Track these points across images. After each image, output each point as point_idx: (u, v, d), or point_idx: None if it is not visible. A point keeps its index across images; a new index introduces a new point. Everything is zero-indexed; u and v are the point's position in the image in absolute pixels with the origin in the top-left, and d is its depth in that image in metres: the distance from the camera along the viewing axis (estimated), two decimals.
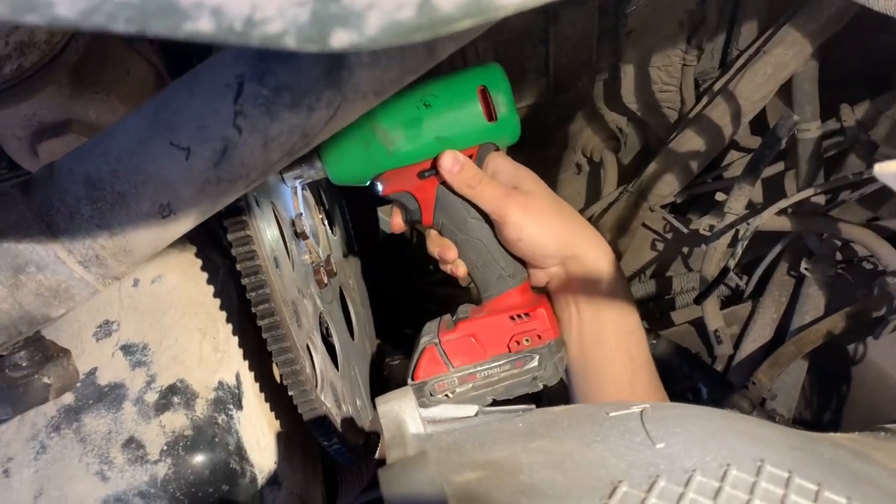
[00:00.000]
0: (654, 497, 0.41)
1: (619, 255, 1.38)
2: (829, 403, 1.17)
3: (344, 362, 0.87)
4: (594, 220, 1.39)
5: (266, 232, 0.68)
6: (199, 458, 0.64)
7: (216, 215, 0.63)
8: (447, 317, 0.83)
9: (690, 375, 1.04)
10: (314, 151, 0.77)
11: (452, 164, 0.76)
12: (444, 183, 0.78)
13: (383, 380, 1.05)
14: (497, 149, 0.81)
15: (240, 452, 0.66)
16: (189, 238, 0.73)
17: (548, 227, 0.77)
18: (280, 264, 0.70)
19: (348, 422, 0.80)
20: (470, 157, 0.78)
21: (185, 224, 0.50)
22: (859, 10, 1.08)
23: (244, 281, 0.63)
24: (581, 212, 1.43)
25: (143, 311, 0.69)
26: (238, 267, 0.63)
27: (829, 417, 1.17)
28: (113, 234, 0.47)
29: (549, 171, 1.47)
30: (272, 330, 0.64)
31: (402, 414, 0.53)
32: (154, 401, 0.65)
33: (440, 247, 0.81)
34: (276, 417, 0.74)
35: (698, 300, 1.12)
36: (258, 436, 0.70)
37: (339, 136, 0.74)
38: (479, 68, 0.79)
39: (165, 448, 0.63)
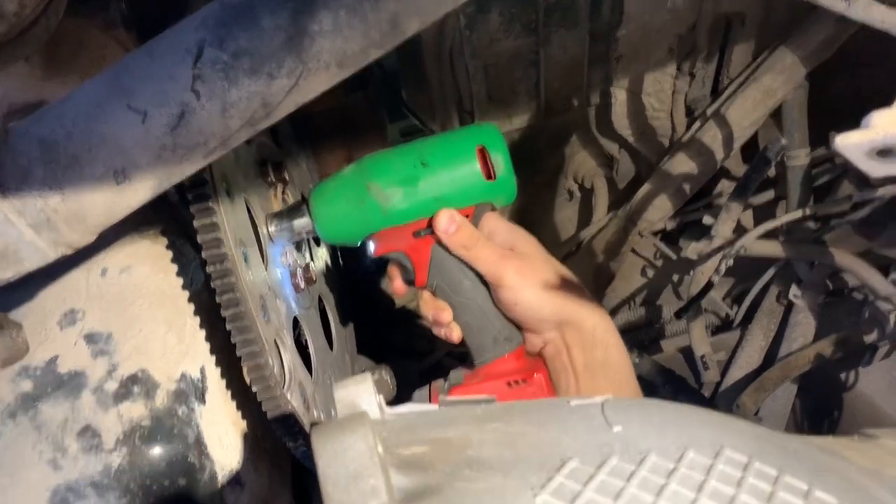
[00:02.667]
0: (603, 474, 0.39)
1: (608, 281, 1.37)
2: (819, 430, 1.14)
3: (319, 369, 0.86)
4: (584, 246, 1.38)
5: (235, 223, 0.67)
6: (155, 450, 0.62)
7: (186, 203, 0.63)
8: (439, 382, 0.80)
9: (674, 397, 1.01)
10: (304, 207, 0.78)
11: (448, 223, 0.75)
12: (439, 243, 0.77)
13: None
14: (493, 208, 0.80)
15: (199, 447, 0.64)
16: (161, 230, 0.72)
17: (545, 292, 0.75)
18: (250, 259, 0.69)
19: None
20: (466, 216, 0.77)
21: (141, 193, 0.49)
22: (849, 41, 1.10)
23: (209, 269, 0.62)
24: (571, 237, 1.42)
25: (110, 301, 0.68)
26: (203, 255, 0.62)
27: None
28: (66, 198, 0.47)
29: (540, 197, 1.47)
30: (236, 321, 0.63)
31: (359, 399, 0.51)
32: (114, 390, 0.64)
33: (434, 309, 0.79)
34: (243, 418, 0.72)
35: (679, 314, 1.10)
36: (221, 433, 0.68)
37: (331, 193, 0.77)
38: (475, 127, 0.79)
39: (122, 437, 0.62)
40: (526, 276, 0.75)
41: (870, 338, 1.03)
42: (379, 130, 1.31)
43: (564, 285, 0.77)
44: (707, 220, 1.14)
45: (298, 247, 0.89)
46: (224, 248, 0.62)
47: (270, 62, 0.46)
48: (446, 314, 0.78)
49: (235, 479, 0.69)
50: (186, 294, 0.70)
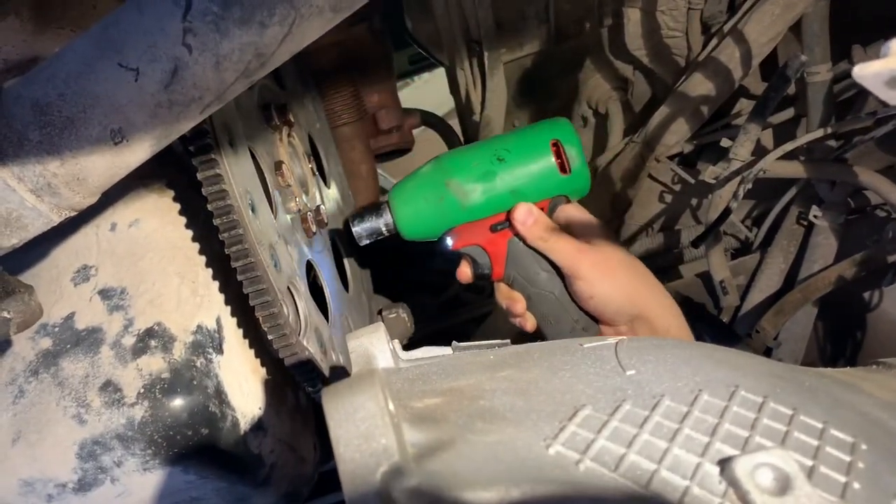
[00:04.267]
0: (616, 420, 0.39)
1: (625, 208, 1.35)
2: (842, 352, 1.14)
3: (335, 312, 0.86)
4: (600, 173, 1.36)
5: (240, 173, 0.67)
6: (176, 401, 0.63)
7: (190, 155, 0.62)
8: None
9: (693, 325, 1.01)
10: (386, 206, 0.82)
11: (526, 216, 0.78)
12: (516, 235, 0.79)
13: None
14: (568, 201, 0.82)
15: (220, 396, 0.65)
16: (167, 182, 0.72)
17: (620, 286, 0.77)
18: (257, 208, 0.68)
19: (338, 370, 0.79)
20: (541, 209, 0.80)
21: (139, 152, 0.48)
22: None
23: (216, 221, 0.61)
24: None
25: (121, 256, 0.68)
26: (209, 207, 0.61)
27: (842, 366, 1.14)
28: (64, 162, 0.46)
29: None
30: (247, 272, 0.63)
31: (372, 349, 0.51)
32: (131, 344, 0.64)
33: (509, 300, 0.82)
34: (263, 365, 0.73)
35: (696, 243, 1.09)
36: (240, 381, 0.69)
37: (412, 192, 0.81)
38: (549, 122, 0.81)
39: (142, 391, 0.62)
40: (602, 269, 0.76)
41: (893, 257, 1.02)
42: (386, 64, 1.28)
43: (640, 281, 0.79)
44: (725, 142, 1.11)
45: (307, 190, 0.88)
46: (230, 200, 0.62)
47: (261, 10, 0.44)
48: (520, 305, 0.81)
49: (258, 425, 0.70)
50: (197, 246, 0.70)
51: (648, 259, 1.35)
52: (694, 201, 1.36)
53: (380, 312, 1.06)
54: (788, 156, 1.08)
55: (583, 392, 0.42)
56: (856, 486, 0.36)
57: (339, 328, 0.85)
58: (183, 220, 0.70)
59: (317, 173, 0.95)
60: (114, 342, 0.64)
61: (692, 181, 1.25)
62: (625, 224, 1.37)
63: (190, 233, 0.70)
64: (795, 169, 1.10)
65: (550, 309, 0.80)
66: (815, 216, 1.12)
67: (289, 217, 0.80)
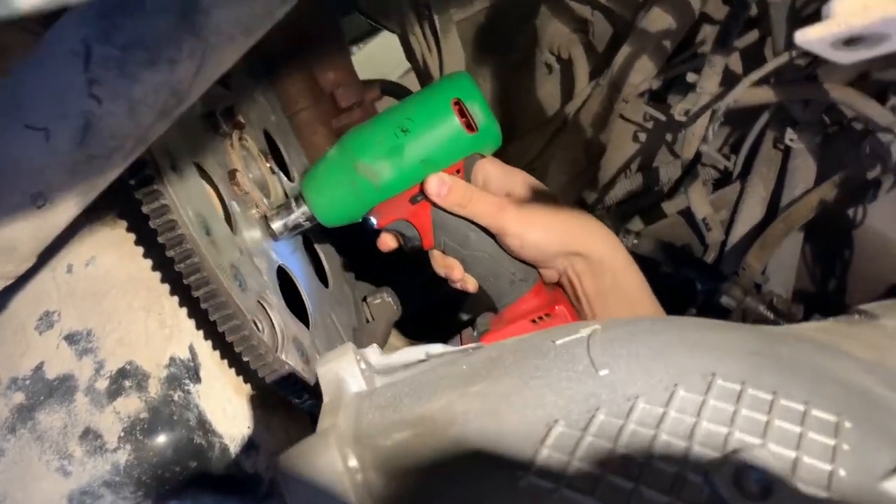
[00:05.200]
0: (590, 435, 0.38)
1: (600, 153, 1.32)
2: (832, 272, 1.13)
3: (316, 313, 0.84)
4: (571, 121, 1.33)
5: (188, 197, 0.64)
6: (159, 440, 0.62)
7: (132, 189, 0.60)
8: (468, 331, 0.83)
9: (677, 270, 1.00)
10: (300, 198, 0.79)
11: (439, 187, 0.76)
12: (435, 206, 0.77)
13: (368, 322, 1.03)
14: (482, 156, 0.79)
15: (203, 426, 0.64)
16: (118, 213, 0.69)
17: (548, 230, 0.77)
18: (212, 229, 0.66)
19: None
20: (457, 171, 0.78)
21: (66, 212, 0.46)
22: None
23: (168, 254, 0.59)
24: (556, 113, 1.37)
25: (82, 297, 0.66)
26: (160, 239, 0.59)
27: (833, 286, 1.13)
28: None
29: (518, 77, 1.40)
30: (210, 299, 0.61)
31: (343, 373, 0.50)
32: (105, 388, 0.63)
33: (445, 267, 0.81)
34: (245, 381, 0.72)
35: (670, 195, 1.07)
36: (223, 405, 0.68)
37: (322, 179, 0.79)
38: (446, 81, 0.79)
39: (123, 434, 0.61)
40: (526, 218, 0.76)
41: (872, 173, 1.00)
42: (337, 39, 1.24)
43: (567, 219, 0.78)
44: (691, 76, 1.08)
45: (268, 192, 0.86)
46: (180, 229, 0.59)
47: (168, 48, 0.42)
48: (457, 270, 0.80)
49: (249, 445, 0.69)
50: (158, 274, 0.68)
51: (629, 200, 1.33)
52: (669, 136, 1.33)
53: (364, 300, 1.05)
54: (758, 83, 1.05)
55: (555, 405, 0.41)
56: (841, 472, 0.35)
57: (323, 329, 0.84)
58: (140, 250, 0.68)
59: (277, 171, 0.92)
60: (87, 388, 0.63)
61: (664, 118, 1.23)
62: (601, 169, 1.34)
63: (149, 262, 0.68)
64: (766, 94, 1.07)
65: (487, 268, 0.79)
66: (790, 139, 1.10)
67: (250, 224, 0.78)
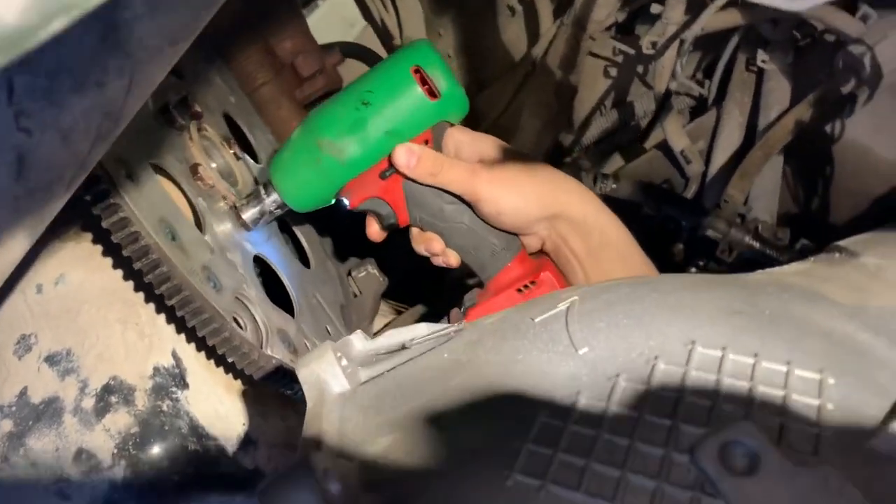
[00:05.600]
0: (572, 424, 0.37)
1: (572, 94, 1.30)
2: (815, 192, 1.12)
3: (301, 297, 0.83)
4: (539, 64, 1.29)
5: (149, 204, 0.62)
6: (153, 452, 0.62)
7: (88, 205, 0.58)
8: (455, 311, 0.81)
9: (658, 209, 0.99)
10: (269, 185, 0.77)
11: (408, 157, 0.73)
12: (406, 178, 0.75)
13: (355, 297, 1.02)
14: (451, 125, 0.77)
15: (196, 432, 0.64)
16: (81, 226, 0.68)
17: (524, 193, 0.75)
18: (178, 233, 0.65)
19: None
20: (426, 142, 0.75)
21: (16, 247, 0.44)
22: None
23: (136, 266, 0.58)
24: (524, 57, 1.33)
25: (57, 316, 0.65)
26: (125, 252, 0.58)
27: (817, 205, 1.12)
28: None
29: (481, 22, 1.36)
30: (185, 306, 0.60)
31: (324, 374, 0.49)
32: (92, 406, 0.62)
33: (425, 242, 0.79)
34: (235, 378, 0.71)
35: (642, 139, 1.05)
36: (215, 406, 0.67)
37: (287, 162, 0.76)
38: (405, 49, 0.76)
39: (116, 451, 0.61)
40: (501, 183, 0.74)
41: (847, 87, 0.98)
42: (290, 5, 1.20)
43: (542, 180, 0.77)
44: (655, 7, 1.05)
45: (234, 181, 0.84)
46: (143, 240, 0.58)
47: (93, 70, 0.39)
48: (437, 244, 0.78)
49: (246, 441, 0.69)
50: (131, 284, 0.66)
51: (607, 137, 1.31)
52: (640, 68, 1.30)
53: (349, 274, 1.04)
54: (724, 6, 1.02)
55: (537, 389, 0.40)
56: (828, 434, 0.35)
57: (309, 313, 0.83)
58: (108, 261, 0.66)
59: (242, 155, 0.89)
60: (74, 408, 0.62)
61: (632, 51, 1.20)
62: (575, 110, 1.32)
63: (119, 273, 0.66)
64: (733, 17, 1.04)
65: (466, 239, 0.77)
66: (762, 61, 1.07)
67: (219, 218, 0.76)
